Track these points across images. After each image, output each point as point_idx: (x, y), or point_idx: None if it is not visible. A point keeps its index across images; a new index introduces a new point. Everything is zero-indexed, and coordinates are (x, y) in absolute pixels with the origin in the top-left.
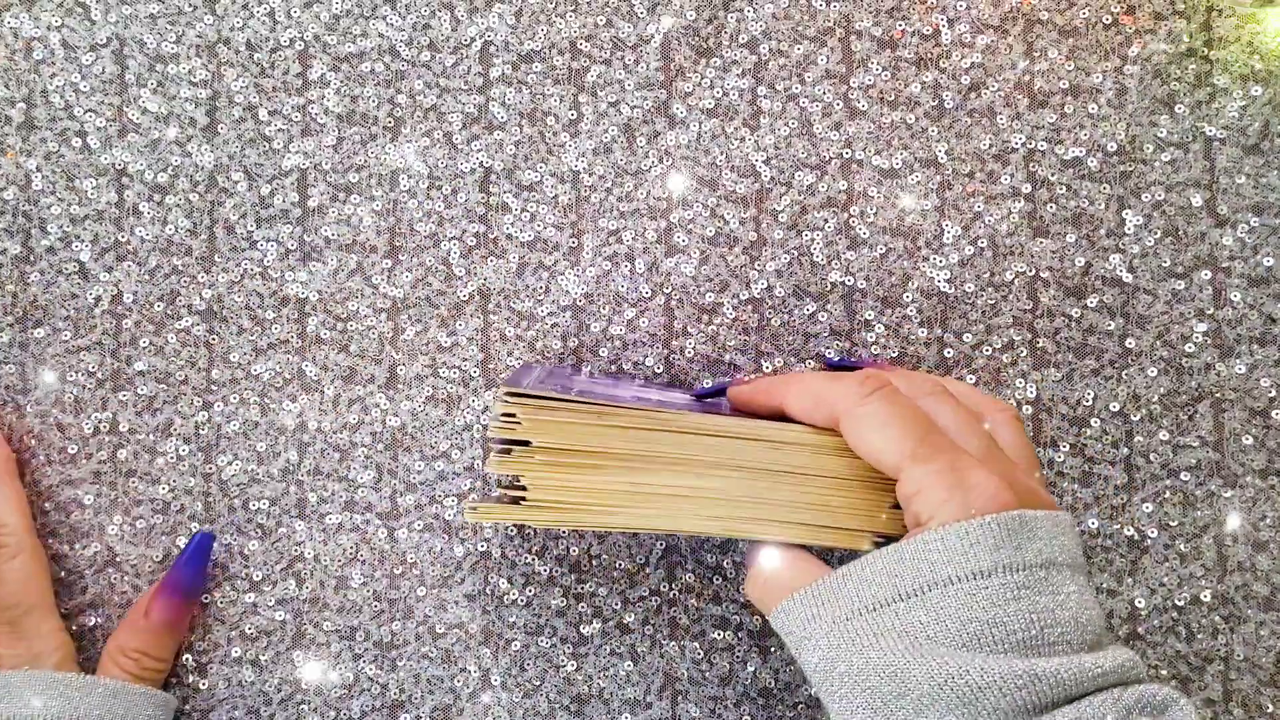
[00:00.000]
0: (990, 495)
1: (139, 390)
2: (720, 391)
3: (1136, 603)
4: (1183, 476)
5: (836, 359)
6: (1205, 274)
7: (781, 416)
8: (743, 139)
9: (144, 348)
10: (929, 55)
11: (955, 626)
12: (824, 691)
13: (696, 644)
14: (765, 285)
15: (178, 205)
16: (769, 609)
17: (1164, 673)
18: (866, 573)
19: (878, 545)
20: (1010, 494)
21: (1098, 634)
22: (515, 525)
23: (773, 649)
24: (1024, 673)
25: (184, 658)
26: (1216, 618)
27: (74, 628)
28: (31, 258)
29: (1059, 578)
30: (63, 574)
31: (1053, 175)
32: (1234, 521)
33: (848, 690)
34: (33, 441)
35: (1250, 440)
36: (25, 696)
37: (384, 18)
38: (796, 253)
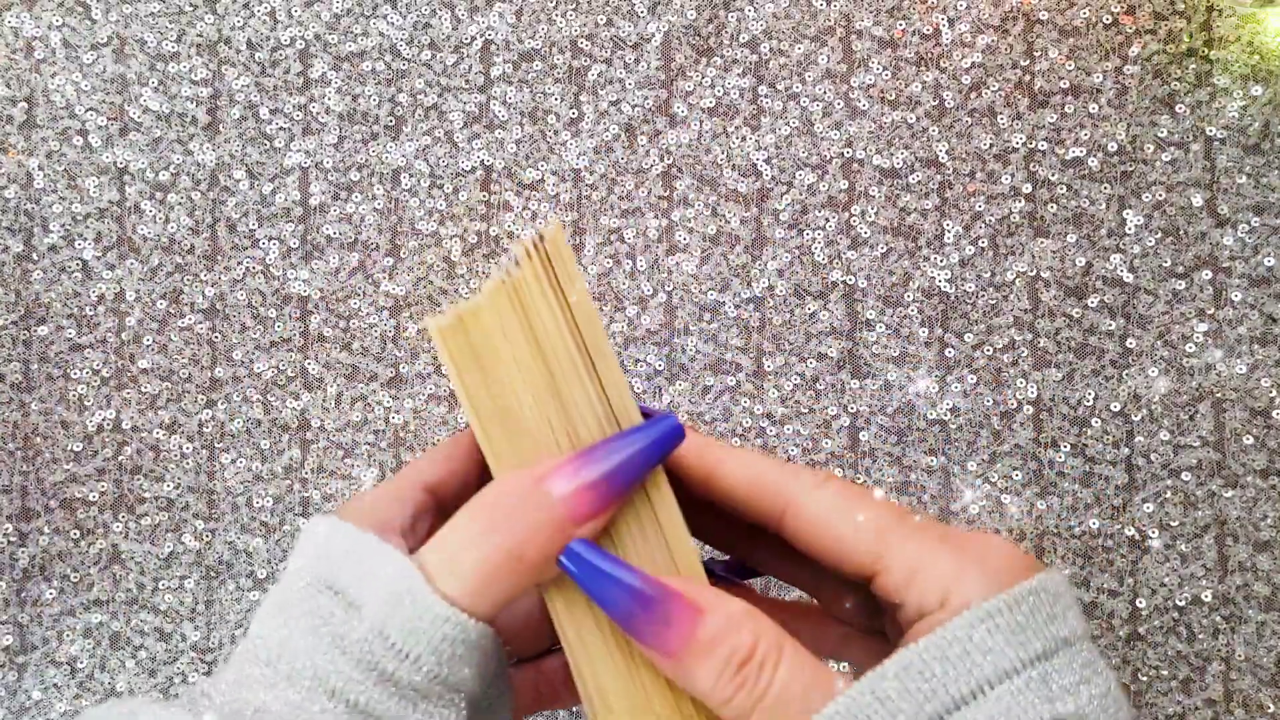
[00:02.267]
0: (1010, 557)
1: (142, 388)
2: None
3: (1137, 603)
4: (1184, 477)
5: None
6: (1206, 274)
7: (696, 495)
8: (744, 138)
9: (147, 346)
10: (929, 55)
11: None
12: None
13: None
14: (766, 284)
15: (180, 204)
16: None
17: (1164, 673)
18: (905, 681)
19: None
20: (1023, 553)
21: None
22: None
23: None
24: None
25: (187, 657)
26: (1217, 618)
27: (80, 626)
28: (34, 256)
29: (1095, 651)
30: (69, 571)
31: (1053, 175)
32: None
33: None
34: (38, 439)
35: (1251, 440)
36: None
37: (385, 17)
38: (798, 252)
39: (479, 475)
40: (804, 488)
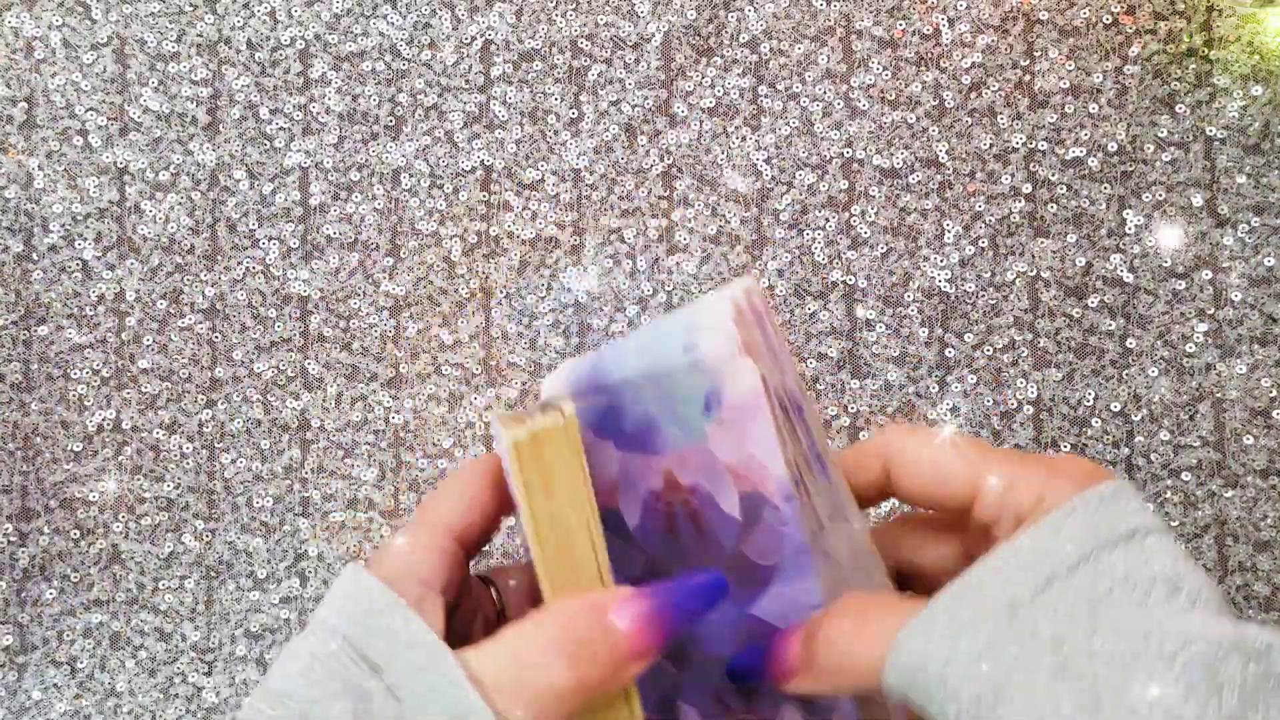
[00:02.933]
0: (1090, 467)
1: (143, 388)
2: None
3: None
4: (1183, 476)
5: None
6: (1206, 274)
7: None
8: (744, 138)
9: (147, 345)
10: (929, 55)
11: (1156, 575)
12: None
13: None
14: (766, 284)
15: (180, 204)
16: (874, 662)
17: None
18: (1013, 560)
19: None
20: (1098, 466)
21: None
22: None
23: None
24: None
25: (187, 657)
26: None
27: (80, 626)
28: (34, 256)
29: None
30: (69, 570)
31: (1053, 175)
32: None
33: (1050, 683)
34: (38, 439)
35: (1251, 440)
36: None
37: (385, 17)
38: (798, 251)
39: (498, 519)
40: (898, 437)
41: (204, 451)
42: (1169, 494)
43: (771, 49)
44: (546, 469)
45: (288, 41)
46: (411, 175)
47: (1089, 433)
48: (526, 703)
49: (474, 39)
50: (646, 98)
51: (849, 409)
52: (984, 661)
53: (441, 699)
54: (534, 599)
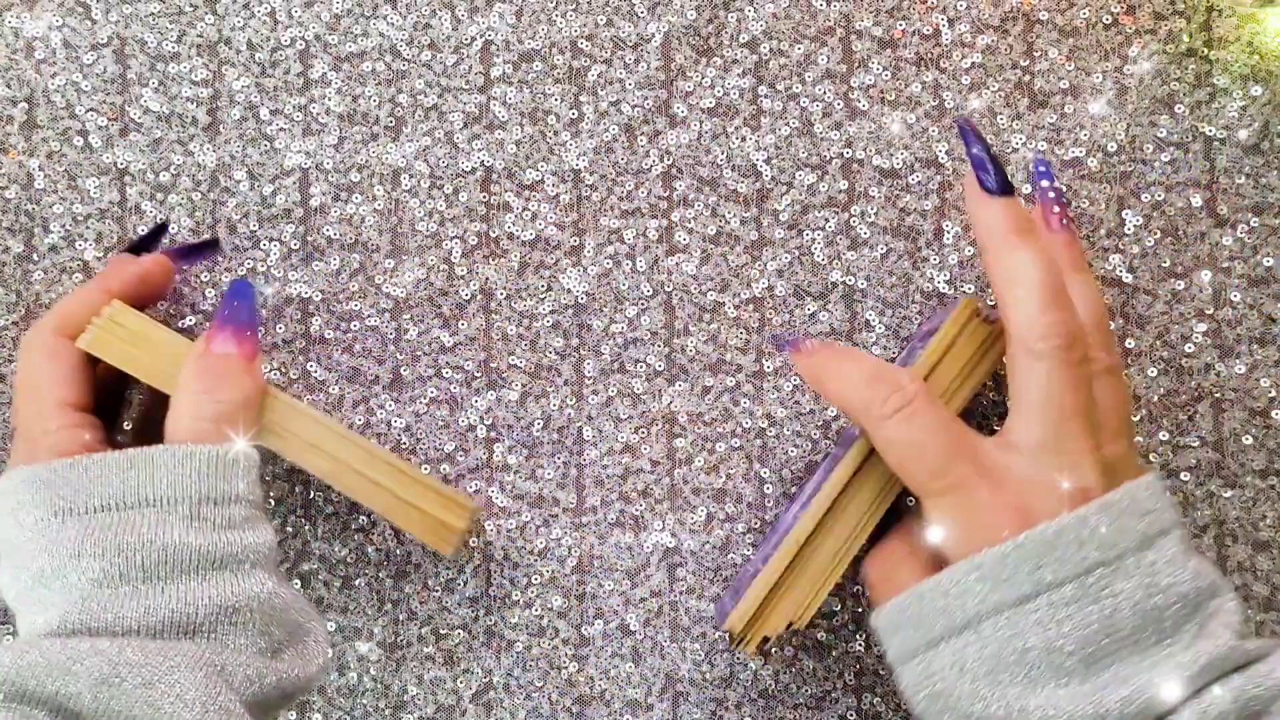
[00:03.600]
0: (1001, 523)
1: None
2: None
3: None
4: (1182, 477)
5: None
6: (1205, 274)
7: None
8: (743, 138)
9: None
10: (929, 55)
11: (1012, 658)
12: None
13: (697, 645)
14: (766, 285)
15: (180, 205)
16: (876, 601)
17: None
18: (924, 605)
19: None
20: (1026, 515)
21: (1180, 607)
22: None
23: (771, 650)
24: (1089, 708)
25: None
26: None
27: None
28: (34, 256)
29: (1113, 574)
30: None
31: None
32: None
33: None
34: None
35: (1250, 440)
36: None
37: (385, 17)
38: (797, 252)
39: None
40: (874, 420)
41: None
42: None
43: (771, 49)
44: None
45: (288, 42)
46: (411, 176)
47: None
48: (191, 428)
49: (474, 39)
50: (646, 98)
51: None
52: (905, 679)
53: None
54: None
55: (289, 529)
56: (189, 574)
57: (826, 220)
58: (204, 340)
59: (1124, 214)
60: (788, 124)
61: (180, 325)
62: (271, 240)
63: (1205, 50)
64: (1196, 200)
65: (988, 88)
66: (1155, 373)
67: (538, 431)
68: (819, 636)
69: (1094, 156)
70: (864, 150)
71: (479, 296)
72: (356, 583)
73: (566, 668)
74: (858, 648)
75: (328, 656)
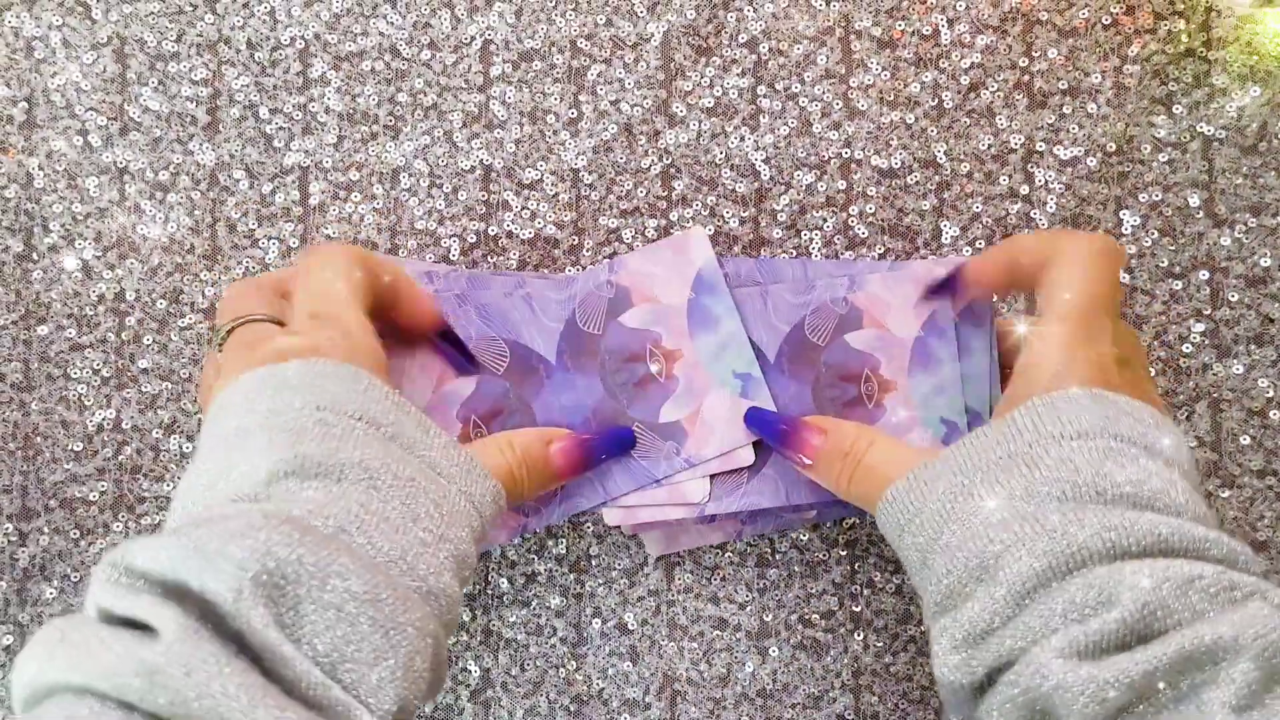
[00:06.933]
0: (1098, 372)
1: (143, 388)
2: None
3: None
4: None
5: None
6: (1203, 274)
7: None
8: (742, 138)
9: (147, 345)
10: (928, 55)
11: (1061, 481)
12: (924, 573)
13: (695, 644)
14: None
15: (179, 203)
16: (870, 499)
17: None
18: (970, 446)
19: None
20: (1113, 380)
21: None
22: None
23: (770, 649)
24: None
25: None
26: None
27: None
28: (34, 256)
29: (1161, 463)
30: (69, 570)
31: (1051, 175)
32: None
33: (948, 561)
34: (38, 439)
35: (1248, 440)
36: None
37: (384, 16)
38: (795, 252)
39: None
40: (1081, 240)
41: None
42: None
43: (770, 49)
44: None
45: (287, 41)
46: (411, 175)
47: None
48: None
49: (474, 39)
50: (646, 97)
51: None
52: (927, 532)
53: (468, 474)
54: None
55: None
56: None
57: (825, 220)
58: (555, 434)
59: (1122, 214)
60: (786, 124)
61: (180, 324)
62: (271, 239)
63: (1204, 50)
64: (1194, 200)
65: (987, 88)
66: (1153, 372)
67: None
68: (817, 636)
69: (1093, 156)
70: (862, 150)
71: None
72: None
73: (564, 666)
74: (856, 647)
75: None
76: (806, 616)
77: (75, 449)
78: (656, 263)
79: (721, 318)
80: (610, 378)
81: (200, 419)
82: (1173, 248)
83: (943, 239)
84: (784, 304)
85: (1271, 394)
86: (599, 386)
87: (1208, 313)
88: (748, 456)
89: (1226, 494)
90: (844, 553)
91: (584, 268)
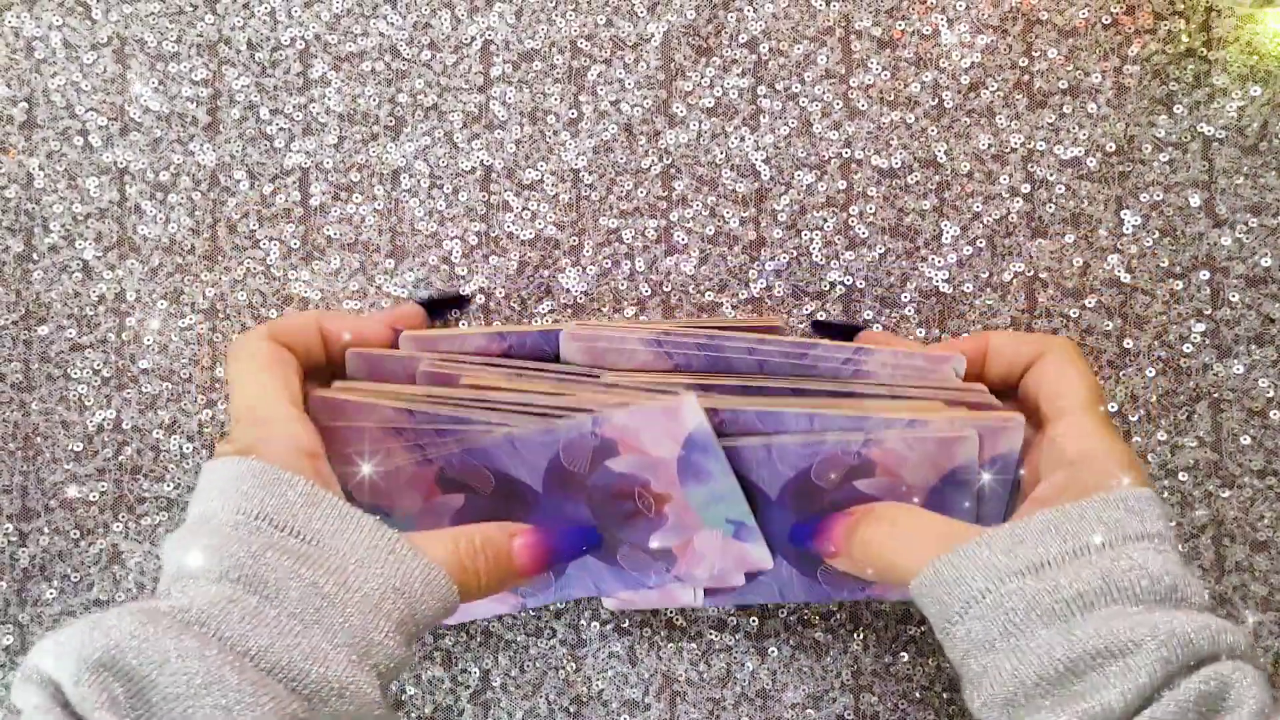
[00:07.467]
0: (1133, 464)
1: (143, 388)
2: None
3: None
4: (1180, 477)
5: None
6: (1203, 274)
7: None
8: (742, 138)
9: (147, 346)
10: (928, 55)
11: (1129, 583)
12: (973, 659)
13: (694, 645)
14: (764, 284)
15: (180, 204)
16: (907, 572)
17: None
18: (1021, 534)
19: None
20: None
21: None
22: None
23: (770, 649)
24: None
25: None
26: None
27: None
28: (34, 256)
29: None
30: (69, 571)
31: (1051, 175)
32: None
33: (1010, 654)
34: (38, 439)
35: (1248, 440)
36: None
37: (385, 17)
38: (796, 252)
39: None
40: (1049, 343)
41: (204, 451)
42: (1166, 494)
43: (771, 49)
44: None
45: (288, 41)
46: (411, 176)
47: None
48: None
49: (474, 39)
50: (646, 98)
51: None
52: (989, 594)
53: (391, 558)
54: None
55: None
56: None
57: (825, 220)
58: (517, 529)
59: (1122, 214)
60: (787, 124)
61: (180, 324)
62: (271, 240)
63: (1204, 50)
64: (1195, 200)
65: (987, 88)
66: (1154, 373)
67: None
68: (817, 636)
69: (1093, 156)
70: (863, 150)
71: (478, 296)
72: None
73: (564, 668)
74: (855, 647)
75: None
76: (806, 616)
77: (75, 449)
78: (645, 422)
79: (715, 473)
80: (599, 509)
81: (200, 419)
82: (1173, 248)
83: (943, 239)
84: (791, 453)
85: (1272, 394)
86: (587, 513)
87: (1208, 313)
88: (739, 580)
89: (1226, 494)
90: None
91: (584, 268)
